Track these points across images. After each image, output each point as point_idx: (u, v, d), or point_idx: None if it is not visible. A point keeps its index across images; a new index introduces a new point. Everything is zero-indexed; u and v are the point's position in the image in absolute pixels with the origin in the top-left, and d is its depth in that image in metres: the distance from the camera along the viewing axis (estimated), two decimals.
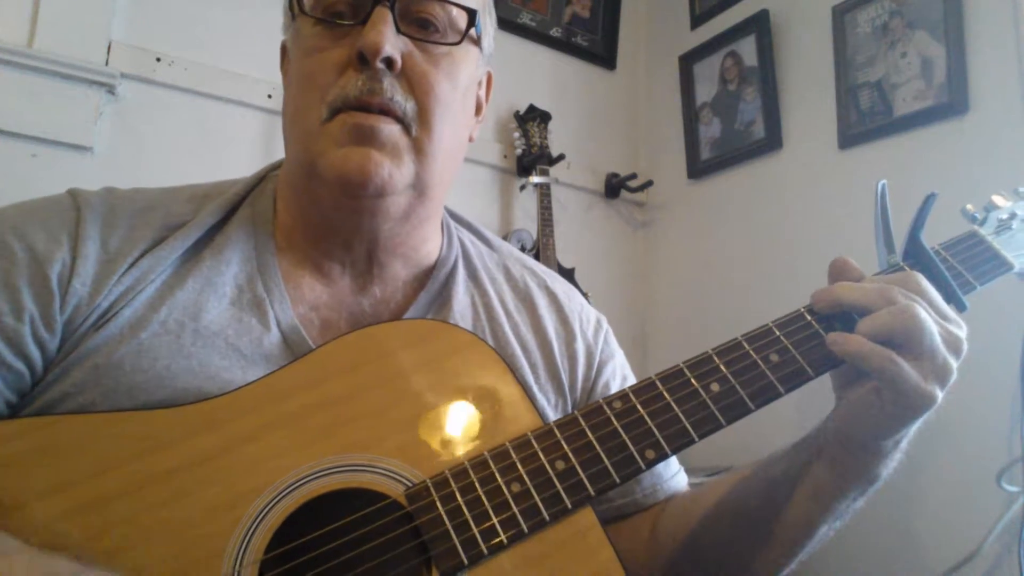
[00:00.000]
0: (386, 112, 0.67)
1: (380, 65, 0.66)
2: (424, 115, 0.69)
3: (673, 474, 0.82)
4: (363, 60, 0.66)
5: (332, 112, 0.67)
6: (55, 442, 0.52)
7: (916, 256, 0.70)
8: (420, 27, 0.70)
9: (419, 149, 0.69)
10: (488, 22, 0.79)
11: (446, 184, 0.77)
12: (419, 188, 0.71)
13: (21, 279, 0.62)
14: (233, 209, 0.75)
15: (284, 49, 0.78)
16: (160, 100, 1.70)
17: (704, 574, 0.74)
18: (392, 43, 0.66)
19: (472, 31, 0.72)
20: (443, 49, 0.71)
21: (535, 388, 0.77)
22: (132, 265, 0.66)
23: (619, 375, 0.86)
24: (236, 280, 0.70)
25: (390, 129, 0.67)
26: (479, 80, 0.80)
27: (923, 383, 0.58)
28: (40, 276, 0.62)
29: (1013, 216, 0.76)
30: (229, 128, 1.76)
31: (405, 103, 0.68)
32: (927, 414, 0.61)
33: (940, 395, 0.59)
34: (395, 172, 0.67)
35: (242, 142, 1.76)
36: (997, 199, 0.76)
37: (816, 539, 0.68)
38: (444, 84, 0.70)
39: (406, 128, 0.68)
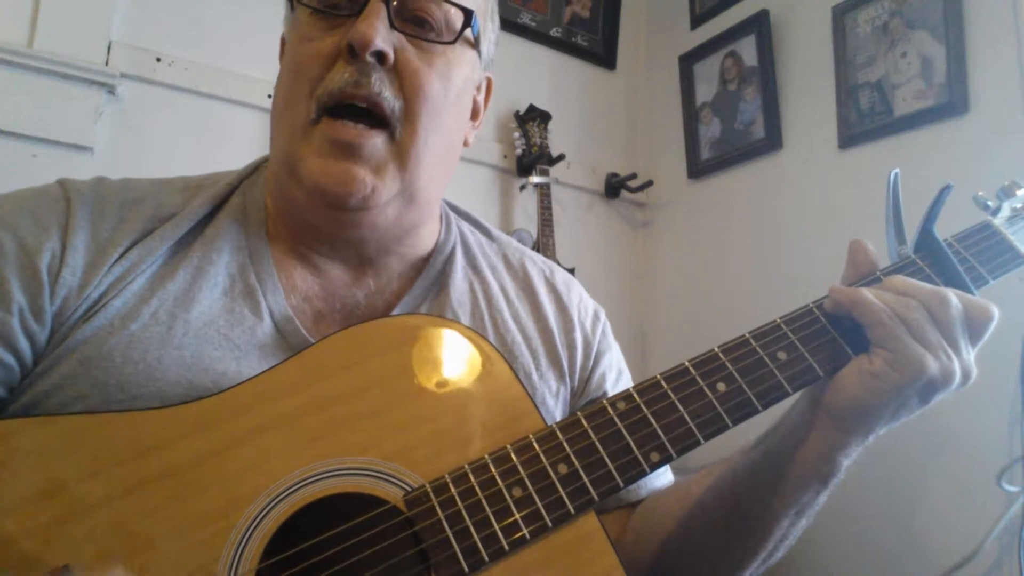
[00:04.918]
0: (372, 106, 0.66)
1: (370, 59, 0.65)
2: (411, 115, 0.68)
3: (659, 473, 0.81)
4: (352, 52, 0.65)
5: (320, 110, 0.66)
6: (43, 444, 0.51)
7: (928, 248, 0.68)
8: (416, 25, 0.69)
9: (403, 154, 0.68)
10: (489, 28, 0.78)
11: (437, 188, 0.76)
12: (407, 195, 0.70)
13: (10, 270, 0.61)
14: (224, 199, 0.74)
15: (283, 42, 0.77)
16: (160, 100, 1.70)
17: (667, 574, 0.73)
18: (383, 37, 0.65)
19: (468, 32, 0.71)
20: (438, 48, 0.70)
21: (536, 376, 0.76)
22: (122, 256, 0.65)
23: (615, 368, 0.85)
24: (228, 269, 0.69)
25: (373, 143, 0.66)
26: (477, 84, 0.79)
27: (916, 345, 0.57)
28: (29, 267, 0.62)
29: None
30: (229, 128, 1.75)
31: (394, 101, 0.67)
32: (915, 400, 0.59)
33: (933, 366, 0.57)
34: (378, 185, 0.66)
35: (242, 142, 1.75)
36: (1012, 186, 0.73)
37: (778, 534, 0.66)
38: (436, 84, 0.69)
39: (391, 132, 0.67)
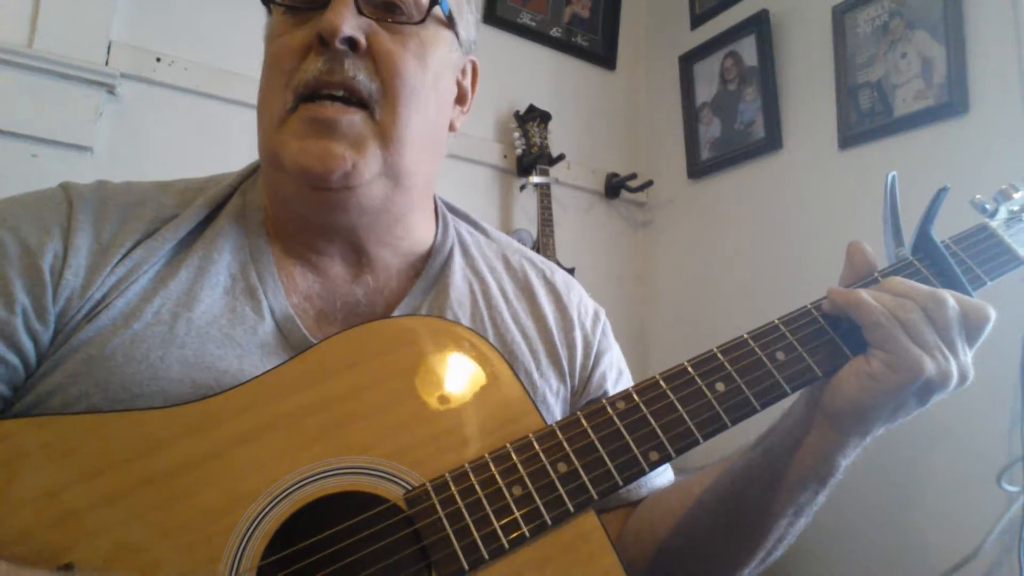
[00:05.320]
0: (349, 91, 0.66)
1: (341, 46, 0.65)
2: (390, 95, 0.68)
3: (659, 472, 0.81)
4: (322, 42, 0.66)
5: (296, 99, 0.67)
6: (47, 444, 0.52)
7: (925, 250, 0.68)
8: (384, 9, 0.69)
9: (385, 133, 0.68)
10: (466, 8, 0.78)
11: (425, 173, 0.75)
12: (392, 176, 0.70)
13: (13, 271, 0.61)
14: (224, 201, 0.75)
15: None
16: (160, 100, 1.70)
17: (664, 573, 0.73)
18: (351, 24, 0.66)
19: (438, 10, 0.72)
20: (410, 29, 0.70)
21: (536, 375, 0.76)
22: (124, 256, 0.66)
23: (615, 368, 0.85)
24: (229, 269, 0.70)
25: (350, 119, 0.66)
26: (460, 67, 0.79)
27: (913, 346, 0.57)
28: (32, 268, 0.62)
29: None
30: (229, 128, 1.75)
31: (370, 83, 0.67)
32: (913, 401, 0.59)
33: (930, 367, 0.57)
34: (359, 161, 0.66)
35: (242, 142, 1.73)
36: (1009, 189, 0.74)
37: (777, 533, 0.66)
38: (411, 63, 0.69)
39: (370, 112, 0.67)
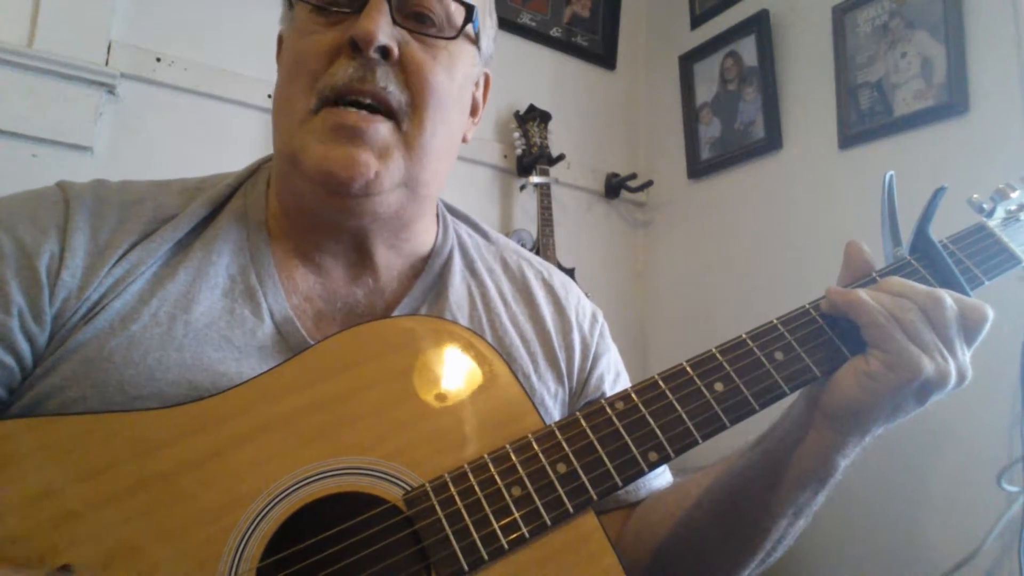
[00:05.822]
0: (378, 101, 0.66)
1: (374, 54, 0.65)
2: (418, 107, 0.68)
3: (658, 474, 0.81)
4: (355, 47, 0.65)
5: (321, 102, 0.66)
6: (44, 445, 0.52)
7: (923, 250, 0.68)
8: (417, 20, 0.69)
9: (410, 144, 0.68)
10: (488, 23, 0.79)
11: (439, 182, 0.76)
12: (411, 186, 0.70)
13: (8, 272, 0.61)
14: (224, 201, 0.74)
15: (280, 40, 0.77)
16: (160, 100, 1.70)
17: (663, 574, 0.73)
18: (387, 32, 0.65)
19: (469, 27, 0.72)
20: (440, 43, 0.70)
21: (534, 378, 0.76)
22: (122, 257, 0.65)
23: (613, 369, 0.85)
24: (228, 271, 0.69)
25: (376, 128, 0.66)
26: (476, 80, 0.80)
27: (911, 346, 0.57)
28: (28, 268, 0.62)
29: (1022, 207, 0.74)
30: (229, 128, 1.76)
31: (400, 95, 0.67)
32: (912, 401, 0.59)
33: (928, 367, 0.57)
34: (383, 170, 0.66)
35: (242, 142, 1.75)
36: (1006, 189, 0.74)
37: (776, 534, 0.65)
38: (441, 77, 0.69)
39: (397, 123, 0.67)
